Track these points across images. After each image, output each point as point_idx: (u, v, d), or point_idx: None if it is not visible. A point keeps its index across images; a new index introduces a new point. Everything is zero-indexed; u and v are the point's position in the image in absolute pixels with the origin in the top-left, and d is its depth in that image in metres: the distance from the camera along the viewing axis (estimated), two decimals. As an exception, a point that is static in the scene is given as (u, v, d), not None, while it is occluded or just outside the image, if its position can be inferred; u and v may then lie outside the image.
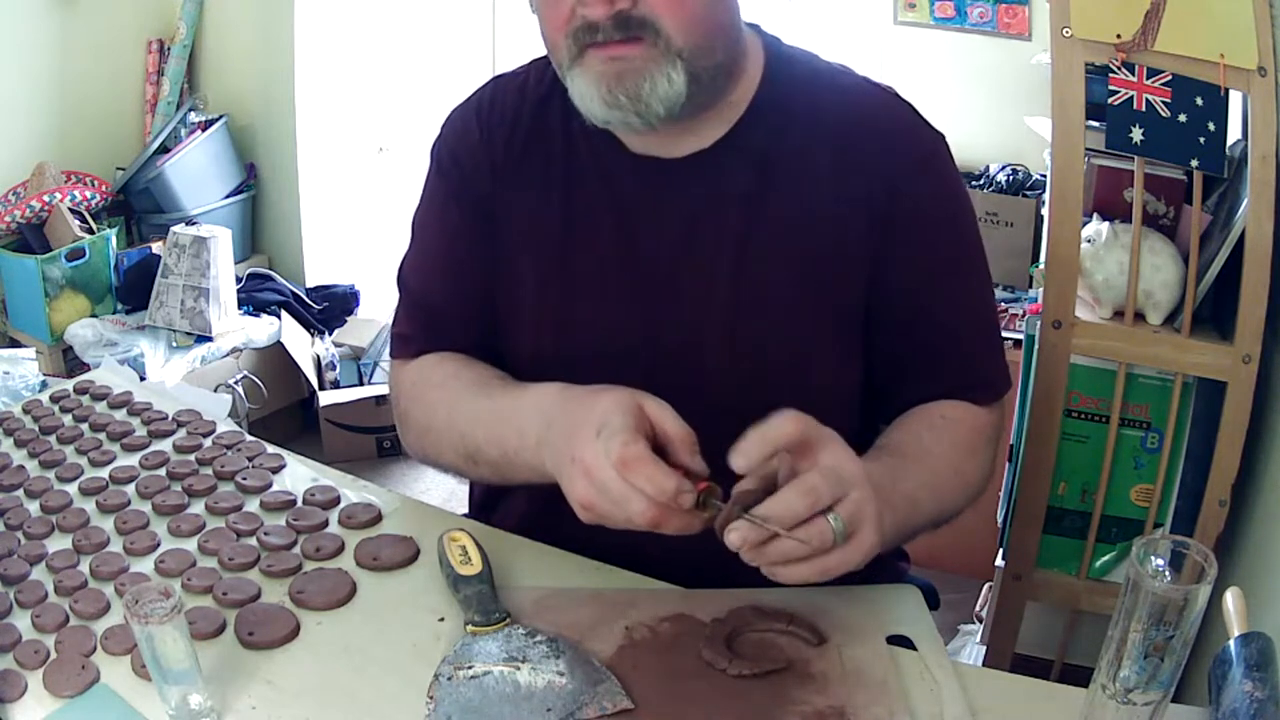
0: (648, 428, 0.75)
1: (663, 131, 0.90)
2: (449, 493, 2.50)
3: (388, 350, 1.47)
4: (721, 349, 0.94)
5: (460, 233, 1.02)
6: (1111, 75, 1.41)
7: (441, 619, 0.85)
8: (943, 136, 0.97)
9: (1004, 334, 2.13)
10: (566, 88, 0.90)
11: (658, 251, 0.95)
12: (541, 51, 1.04)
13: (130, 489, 1.04)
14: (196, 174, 2.85)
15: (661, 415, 0.76)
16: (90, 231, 2.62)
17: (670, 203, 0.95)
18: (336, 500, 1.02)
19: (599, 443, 0.73)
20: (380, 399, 2.81)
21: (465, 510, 1.15)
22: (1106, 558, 1.61)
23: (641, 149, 0.95)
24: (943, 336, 0.97)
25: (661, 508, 0.72)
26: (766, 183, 0.93)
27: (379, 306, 3.09)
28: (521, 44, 3.33)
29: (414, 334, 1.05)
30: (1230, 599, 0.77)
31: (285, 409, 2.90)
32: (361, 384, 2.98)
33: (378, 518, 0.99)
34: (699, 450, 0.75)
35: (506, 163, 0.99)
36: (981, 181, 2.67)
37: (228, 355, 2.66)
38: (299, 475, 1.07)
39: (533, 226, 0.98)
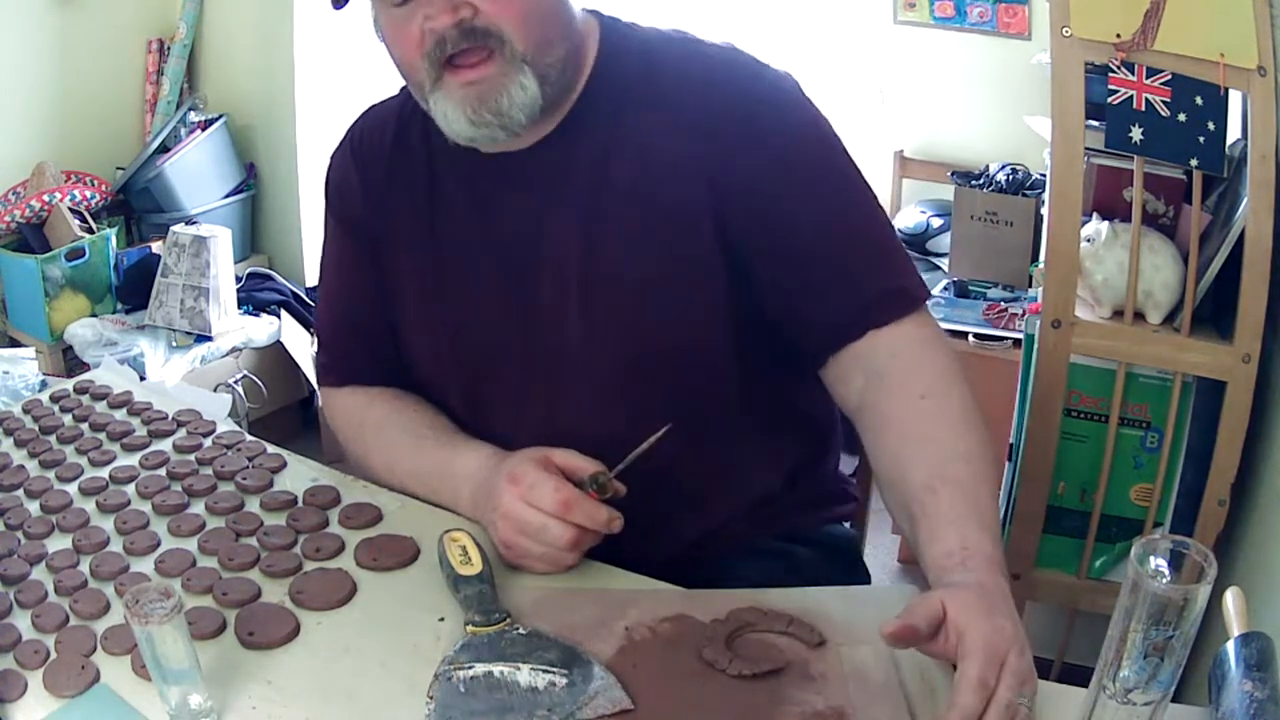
0: (558, 472, 0.88)
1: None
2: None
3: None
4: (582, 322, 0.96)
5: (354, 266, 1.09)
6: (1111, 75, 1.41)
7: (441, 619, 0.85)
8: (788, 75, 0.97)
9: (1004, 334, 2.14)
10: (427, 110, 0.92)
11: (517, 240, 0.98)
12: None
13: (130, 489, 1.04)
14: (196, 174, 2.85)
15: (568, 459, 0.89)
16: (90, 231, 2.62)
17: (522, 192, 0.97)
18: (336, 500, 1.02)
19: (531, 494, 0.86)
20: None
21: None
22: (1106, 558, 1.61)
23: (493, 147, 0.96)
24: (838, 256, 0.94)
25: (578, 528, 0.85)
26: (606, 155, 0.95)
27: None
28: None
29: (330, 363, 1.15)
30: (1230, 599, 0.77)
31: (285, 409, 2.89)
32: (361, 384, 2.97)
33: (378, 518, 0.99)
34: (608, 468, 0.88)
35: (382, 190, 1.05)
36: (981, 181, 2.67)
37: (228, 355, 2.66)
38: (299, 475, 1.07)
39: (409, 244, 1.03)
